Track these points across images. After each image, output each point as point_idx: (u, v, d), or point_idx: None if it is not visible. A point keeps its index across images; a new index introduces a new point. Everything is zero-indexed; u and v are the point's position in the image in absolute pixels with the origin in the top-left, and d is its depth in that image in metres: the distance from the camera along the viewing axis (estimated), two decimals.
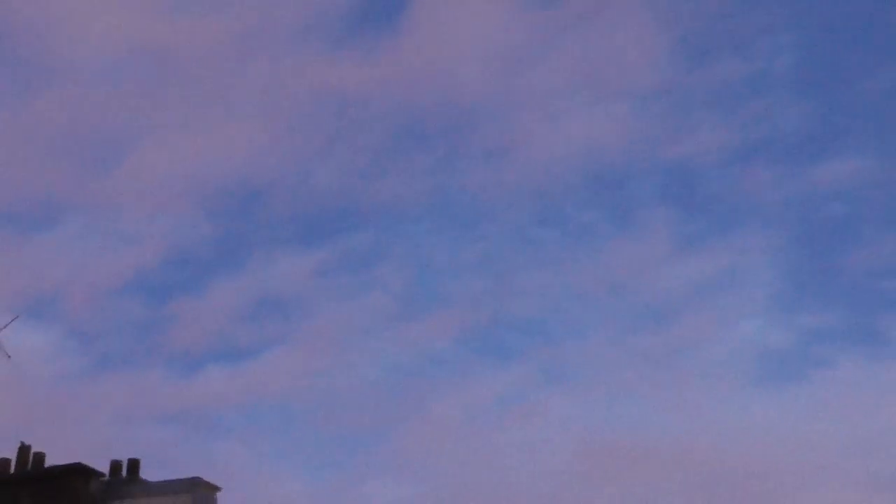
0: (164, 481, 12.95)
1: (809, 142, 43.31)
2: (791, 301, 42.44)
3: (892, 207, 41.45)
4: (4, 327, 14.02)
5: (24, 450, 13.40)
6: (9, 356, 14.12)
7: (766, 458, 34.45)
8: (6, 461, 13.39)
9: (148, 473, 13.31)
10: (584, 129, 41.58)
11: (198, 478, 12.82)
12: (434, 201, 43.14)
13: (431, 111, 41.76)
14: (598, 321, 41.96)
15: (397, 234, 43.41)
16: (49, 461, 13.31)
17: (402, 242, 43.26)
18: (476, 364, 41.20)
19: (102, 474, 13.08)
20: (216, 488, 12.84)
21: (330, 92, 40.45)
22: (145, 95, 38.77)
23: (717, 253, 41.87)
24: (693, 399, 37.85)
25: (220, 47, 39.62)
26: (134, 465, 13.25)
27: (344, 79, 39.86)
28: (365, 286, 41.93)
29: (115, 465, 13.24)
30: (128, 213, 38.52)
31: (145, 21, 37.37)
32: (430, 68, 40.56)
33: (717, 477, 33.66)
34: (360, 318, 40.52)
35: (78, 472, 12.89)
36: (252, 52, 39.94)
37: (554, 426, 36.96)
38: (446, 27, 40.04)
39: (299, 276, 41.12)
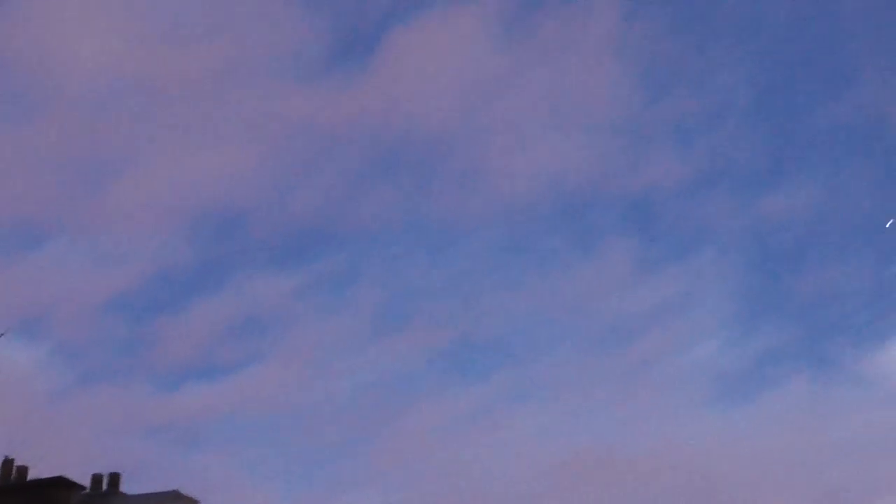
0: (144, 494, 13.48)
1: (762, 173, 46.44)
2: (745, 324, 44.23)
3: (840, 236, 45.18)
4: None
5: (7, 463, 13.85)
6: None
7: (720, 471, 36.45)
8: None
9: (129, 486, 13.86)
10: (550, 159, 44.19)
11: (177, 491, 13.40)
12: (407, 226, 45.53)
13: (404, 141, 43.85)
14: (561, 341, 44.65)
15: (372, 257, 45.54)
16: (33, 474, 13.79)
17: (376, 265, 45.38)
18: (447, 380, 43.51)
19: (84, 487, 13.56)
20: (195, 502, 13.42)
21: (307, 122, 42.33)
22: (133, 123, 40.28)
23: (674, 278, 45.04)
24: (651, 416, 39.38)
25: (204, 78, 41.08)
26: (115, 478, 13.77)
27: (321, 109, 41.91)
28: (341, 306, 44.02)
29: (97, 479, 13.75)
30: (114, 235, 40.11)
31: (134, 52, 38.88)
32: (402, 100, 42.84)
33: (673, 487, 35.17)
34: (336, 336, 42.39)
35: (60, 485, 13.36)
36: (234, 83, 41.47)
37: (519, 439, 38.87)
38: (418, 61, 42.30)
39: (278, 296, 42.88)
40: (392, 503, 34.76)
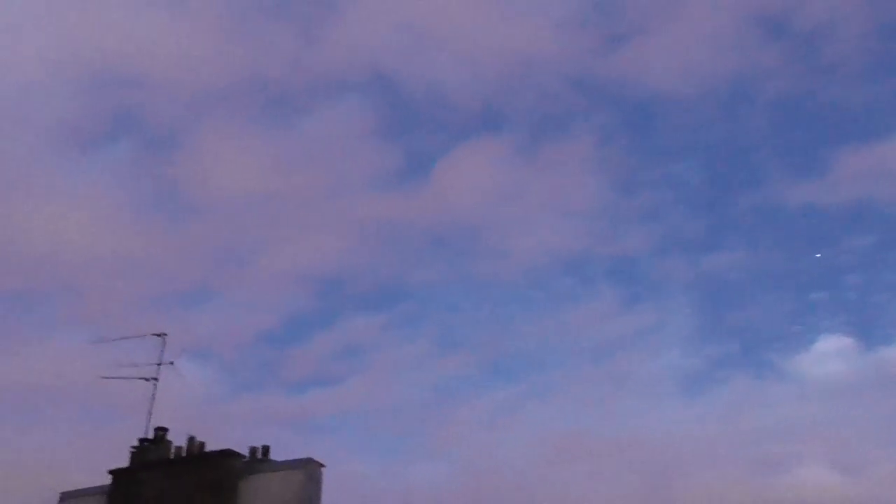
0: (287, 461, 16.50)
1: (704, 240, 66.69)
2: (699, 339, 63.95)
3: (762, 280, 63.13)
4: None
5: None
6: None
7: (683, 447, 51.08)
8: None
9: (275, 455, 17.03)
10: (554, 236, 64.15)
11: (310, 458, 16.30)
12: (456, 282, 65.42)
13: (452, 228, 65.37)
14: (568, 354, 63.08)
15: (433, 303, 66.69)
16: (208, 448, 17.34)
17: (436, 308, 66.71)
18: (487, 384, 62.37)
19: (244, 456, 16.83)
20: (322, 465, 16.23)
21: (386, 217, 62.31)
22: (268, 220, 59.99)
23: (646, 311, 63.92)
24: (630, 407, 56.37)
25: (315, 189, 62.11)
26: (266, 449, 16.90)
27: (395, 209, 62.02)
28: (413, 336, 64.09)
29: (253, 450, 16.92)
30: (259, 293, 59.40)
31: (265, 173, 58.28)
32: (450, 201, 63.08)
33: (647, 460, 48.83)
34: (411, 357, 61.14)
35: (228, 455, 16.61)
36: (334, 193, 62.76)
37: (537, 425, 54.99)
38: (461, 174, 62.15)
39: (369, 331, 62.28)
40: (448, 471, 49.45)
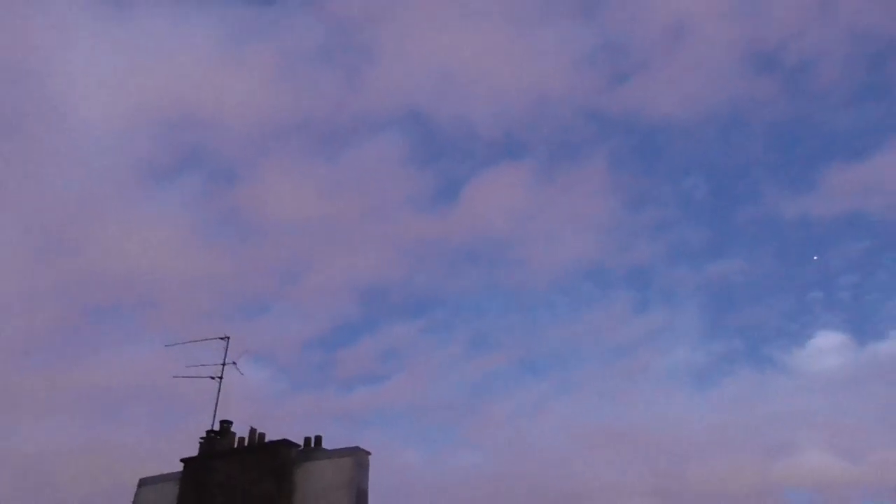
0: (337, 449, 18.03)
1: (709, 249, 70.56)
2: (707, 337, 68.90)
3: (762, 284, 67.93)
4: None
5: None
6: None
7: (694, 435, 55.25)
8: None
9: (327, 445, 18.59)
10: (573, 249, 69.46)
11: (358, 447, 17.83)
12: (486, 291, 71.23)
13: (481, 243, 70.66)
14: (590, 352, 69.02)
15: (466, 310, 73.34)
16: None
17: (468, 314, 72.58)
18: (517, 382, 67.56)
19: (299, 445, 18.35)
20: (369, 453, 17.75)
21: (421, 235, 69.34)
22: (318, 240, 66.92)
23: (659, 312, 69.70)
24: (646, 399, 61.15)
25: (356, 213, 68.30)
26: (319, 439, 18.41)
27: (429, 228, 69.35)
28: (448, 339, 70.85)
29: (307, 440, 18.43)
30: (311, 303, 66.18)
31: (314, 200, 65.45)
32: (479, 219, 69.15)
33: (662, 448, 52.49)
34: (445, 357, 68.00)
35: (284, 444, 17.94)
36: (375, 215, 68.64)
37: (562, 418, 59.77)
38: (488, 196, 68.49)
39: (410, 335, 69.29)
40: (482, 460, 52.92)
